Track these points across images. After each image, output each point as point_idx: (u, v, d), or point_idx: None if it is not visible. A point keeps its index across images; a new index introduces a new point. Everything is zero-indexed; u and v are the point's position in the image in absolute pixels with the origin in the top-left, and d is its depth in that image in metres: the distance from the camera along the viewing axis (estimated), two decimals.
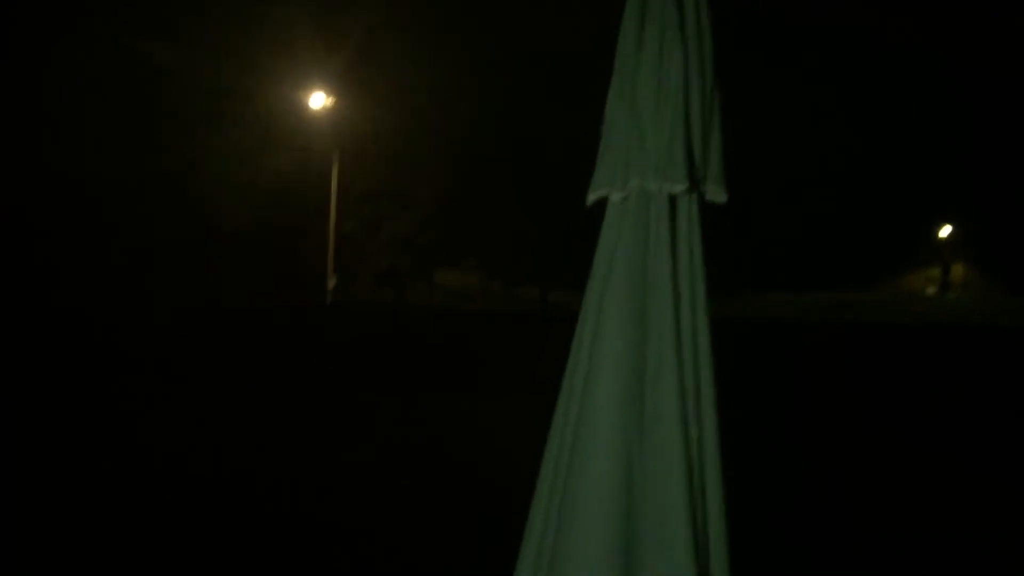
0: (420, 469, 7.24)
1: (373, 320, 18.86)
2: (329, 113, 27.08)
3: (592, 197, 2.48)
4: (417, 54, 25.52)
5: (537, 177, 25.25)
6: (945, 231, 41.87)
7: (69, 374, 11.86)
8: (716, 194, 2.52)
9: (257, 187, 24.05)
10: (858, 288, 35.40)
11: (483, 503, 5.87)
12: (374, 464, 7.47)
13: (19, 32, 21.69)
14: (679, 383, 2.23)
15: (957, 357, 15.56)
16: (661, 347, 2.27)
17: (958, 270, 42.85)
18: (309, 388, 11.72)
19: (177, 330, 14.96)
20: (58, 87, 21.71)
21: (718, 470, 2.27)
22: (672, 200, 2.42)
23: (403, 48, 25.63)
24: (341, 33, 25.36)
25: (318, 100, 26.81)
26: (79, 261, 21.45)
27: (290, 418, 9.92)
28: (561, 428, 2.40)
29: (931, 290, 41.85)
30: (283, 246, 25.94)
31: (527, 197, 26.35)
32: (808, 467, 7.29)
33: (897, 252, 39.84)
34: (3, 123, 21.07)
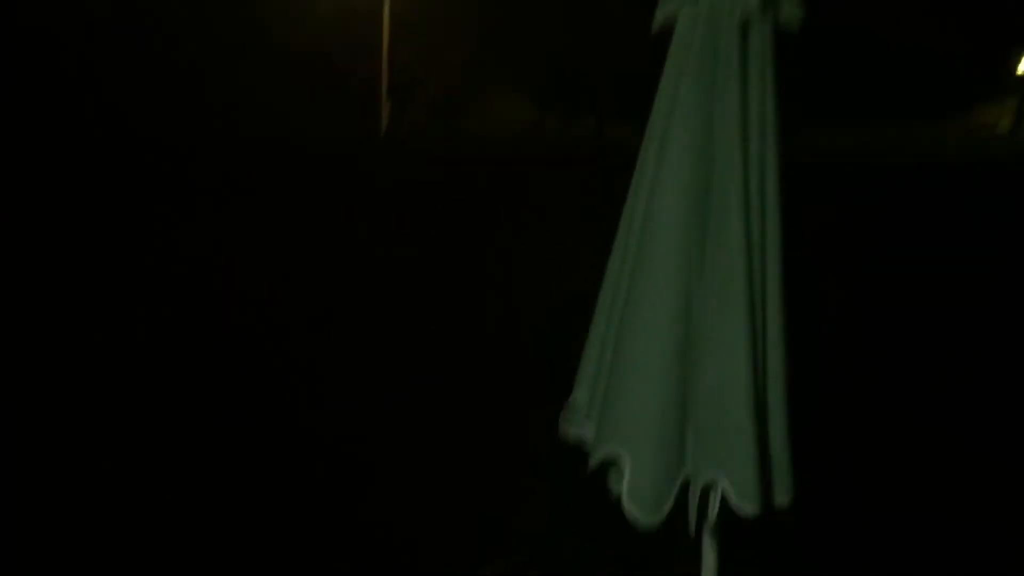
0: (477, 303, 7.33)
1: (426, 154, 18.66)
2: None
3: (658, 20, 2.35)
4: None
5: (597, 3, 24.21)
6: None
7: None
8: (793, 17, 2.37)
9: (311, 12, 23.48)
10: (927, 121, 33.87)
11: (537, 337, 5.96)
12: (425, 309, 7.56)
13: None
14: (744, 216, 2.17)
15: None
16: (727, 181, 2.19)
17: None
18: (364, 226, 11.82)
19: (233, 161, 14.98)
20: None
21: (780, 304, 2.24)
22: (744, 25, 2.28)
23: None
24: None
25: None
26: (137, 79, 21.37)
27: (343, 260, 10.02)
28: (621, 258, 2.38)
29: (1004, 124, 40.03)
30: (336, 76, 25.53)
31: (586, 25, 25.40)
32: (863, 310, 7.24)
33: (972, 84, 37.82)
34: None
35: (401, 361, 5.85)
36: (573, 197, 12.73)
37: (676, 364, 2.18)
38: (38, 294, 7.11)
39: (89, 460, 4.38)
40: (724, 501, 2.16)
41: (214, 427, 4.79)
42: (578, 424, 2.45)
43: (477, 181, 15.44)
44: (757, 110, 2.24)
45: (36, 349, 5.82)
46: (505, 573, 3.49)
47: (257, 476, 4.30)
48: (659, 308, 2.20)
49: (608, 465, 2.25)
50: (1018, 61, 39.23)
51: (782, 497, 2.25)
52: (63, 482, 4.17)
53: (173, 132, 17.34)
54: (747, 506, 2.13)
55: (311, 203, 13.61)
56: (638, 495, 2.16)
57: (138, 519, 3.92)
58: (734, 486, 2.13)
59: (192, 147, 15.64)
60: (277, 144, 17.35)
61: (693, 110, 2.21)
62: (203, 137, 16.87)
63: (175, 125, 18.66)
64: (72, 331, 6.33)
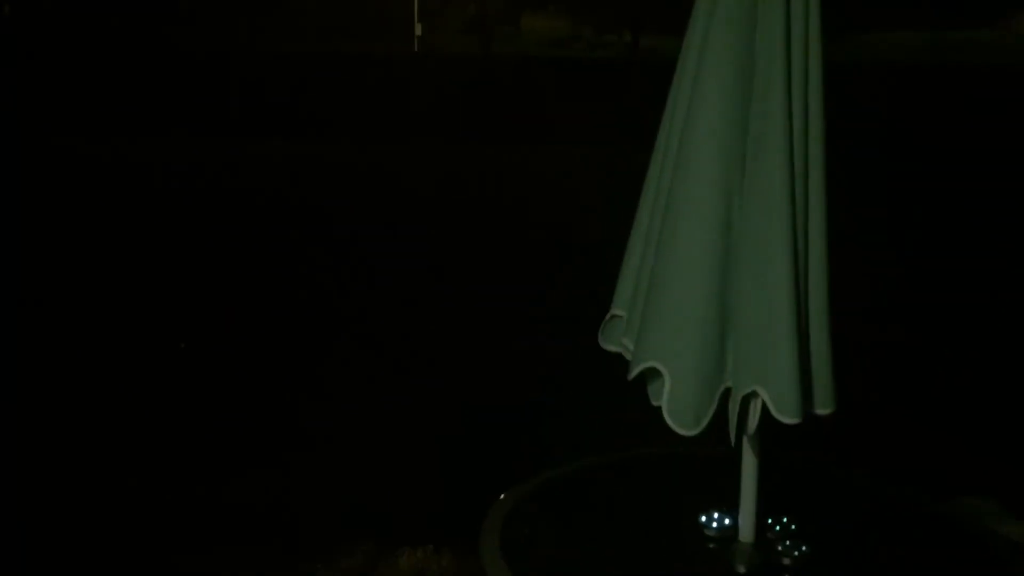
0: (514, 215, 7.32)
1: (458, 70, 18.42)
2: None
3: None
4: None
5: None
6: None
7: None
8: None
9: None
10: (979, 24, 32.70)
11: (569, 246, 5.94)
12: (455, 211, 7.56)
13: None
14: (787, 127, 2.12)
15: None
16: (768, 91, 2.13)
17: None
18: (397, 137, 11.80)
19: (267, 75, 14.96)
20: None
21: (822, 212, 2.20)
22: None
23: None
24: None
25: None
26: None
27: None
28: (659, 172, 2.34)
29: None
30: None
31: None
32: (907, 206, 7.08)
33: None
34: None
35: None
36: (610, 109, 12.57)
37: (717, 275, 2.16)
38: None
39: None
40: (765, 410, 2.16)
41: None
42: (617, 339, 2.45)
43: (510, 92, 15.30)
44: (801, 13, 2.17)
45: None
46: None
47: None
48: (699, 218, 2.17)
49: (647, 376, 2.25)
50: None
51: (824, 407, 2.25)
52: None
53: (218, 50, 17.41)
54: (787, 417, 2.13)
55: (351, 115, 13.65)
56: (678, 408, 2.16)
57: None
58: (774, 397, 2.13)
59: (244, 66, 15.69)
60: (320, 59, 17.29)
61: (732, 18, 2.15)
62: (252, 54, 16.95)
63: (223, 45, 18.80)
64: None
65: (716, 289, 2.14)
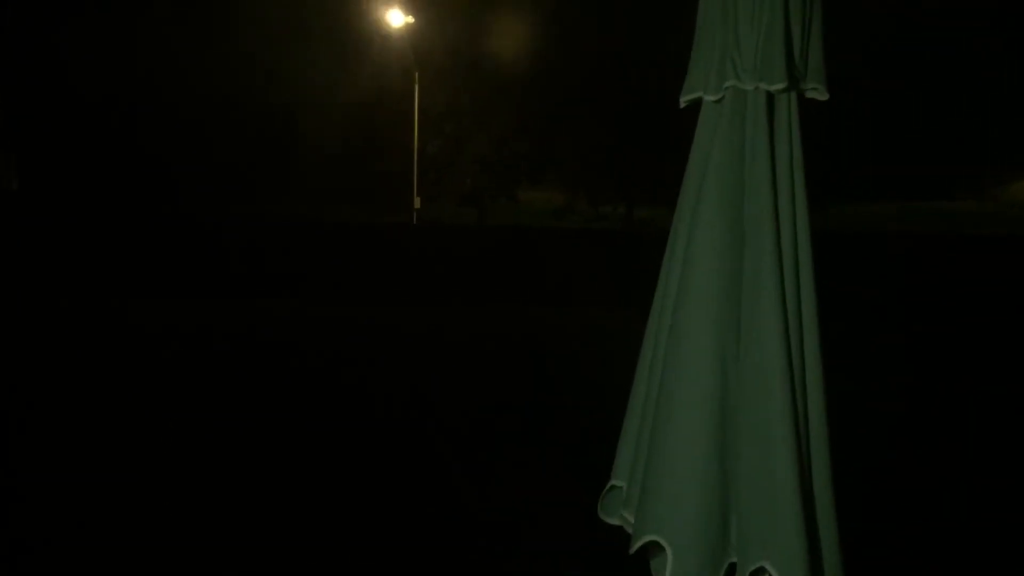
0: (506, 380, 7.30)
1: (457, 239, 18.95)
2: (409, 30, 26.92)
3: (685, 99, 2.37)
4: None
5: (622, 89, 24.68)
6: None
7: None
8: (817, 92, 2.37)
9: (338, 105, 24.29)
10: (967, 196, 33.83)
11: (571, 415, 5.89)
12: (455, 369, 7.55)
13: None
14: (779, 297, 2.13)
15: None
16: (759, 257, 2.17)
17: None
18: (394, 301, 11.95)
19: (267, 242, 15.40)
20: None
21: (821, 390, 2.18)
22: (769, 100, 2.28)
23: None
24: None
25: (397, 18, 26.69)
26: (170, 171, 22.52)
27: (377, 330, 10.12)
28: (654, 341, 2.34)
29: None
30: (365, 165, 26.32)
31: (611, 110, 25.86)
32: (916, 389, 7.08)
33: (1009, 157, 37.81)
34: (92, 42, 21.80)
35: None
36: (604, 276, 12.79)
37: (716, 444, 2.12)
38: None
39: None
40: None
41: None
42: (617, 511, 2.38)
43: (506, 258, 15.65)
44: (787, 182, 2.23)
45: None
46: None
47: None
48: (695, 385, 2.15)
49: (648, 550, 2.17)
50: None
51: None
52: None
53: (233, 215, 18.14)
54: None
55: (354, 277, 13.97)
56: None
57: None
58: (781, 573, 2.04)
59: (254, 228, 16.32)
60: (324, 229, 17.95)
61: (724, 174, 2.21)
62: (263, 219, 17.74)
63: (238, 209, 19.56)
64: None
65: (716, 458, 2.10)
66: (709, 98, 2.30)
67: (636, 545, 2.16)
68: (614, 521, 2.38)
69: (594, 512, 2.43)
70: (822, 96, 2.37)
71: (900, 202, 31.18)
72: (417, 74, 26.45)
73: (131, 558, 4.06)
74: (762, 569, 2.07)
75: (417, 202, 26.64)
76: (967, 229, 25.10)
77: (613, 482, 2.42)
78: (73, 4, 21.77)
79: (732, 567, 2.13)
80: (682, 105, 2.38)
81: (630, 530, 2.23)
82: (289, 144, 24.41)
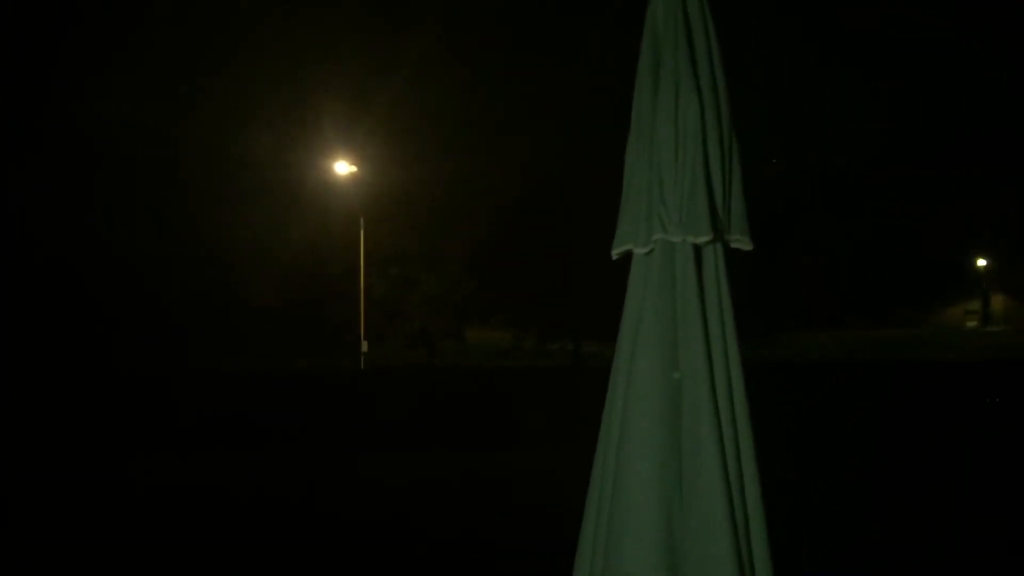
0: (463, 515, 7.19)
1: (407, 382, 18.91)
2: (354, 178, 27.60)
3: (616, 252, 2.50)
4: (439, 115, 25.92)
5: (567, 230, 25.32)
6: (982, 262, 41.52)
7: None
8: (741, 242, 2.52)
9: (284, 255, 24.51)
10: (897, 324, 35.02)
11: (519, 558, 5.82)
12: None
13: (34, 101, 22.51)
14: (717, 432, 2.22)
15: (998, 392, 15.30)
16: (696, 396, 2.26)
17: (998, 301, 42.27)
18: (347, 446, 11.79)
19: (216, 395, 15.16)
20: (75, 157, 22.51)
21: (761, 518, 2.24)
22: (697, 250, 2.43)
23: (425, 110, 26.05)
24: (363, 98, 25.91)
25: (342, 168, 27.39)
26: (114, 328, 22.28)
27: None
28: (600, 480, 2.39)
29: (972, 323, 41.25)
30: (312, 312, 26.35)
31: (557, 250, 26.43)
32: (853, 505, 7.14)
33: (935, 285, 39.51)
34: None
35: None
36: (552, 409, 12.78)
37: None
38: None
39: None
40: None
41: None
42: None
43: (455, 401, 15.60)
44: (719, 326, 2.35)
45: None
46: None
47: None
48: (641, 542, 2.19)
49: None
50: (975, 263, 41.21)
51: None
52: None
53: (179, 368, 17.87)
54: None
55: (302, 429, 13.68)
56: None
57: None
58: None
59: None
60: (271, 375, 17.80)
61: (658, 322, 2.32)
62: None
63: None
64: None
65: None
66: (639, 250, 2.44)
67: None
68: None
69: None
70: (746, 246, 2.52)
71: (842, 330, 32.16)
72: (363, 220, 26.94)
73: None
74: None
75: (364, 346, 26.61)
76: (905, 354, 25.87)
77: None
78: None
79: None
80: (614, 257, 2.51)
81: None
82: (235, 296, 24.47)
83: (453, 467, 10.60)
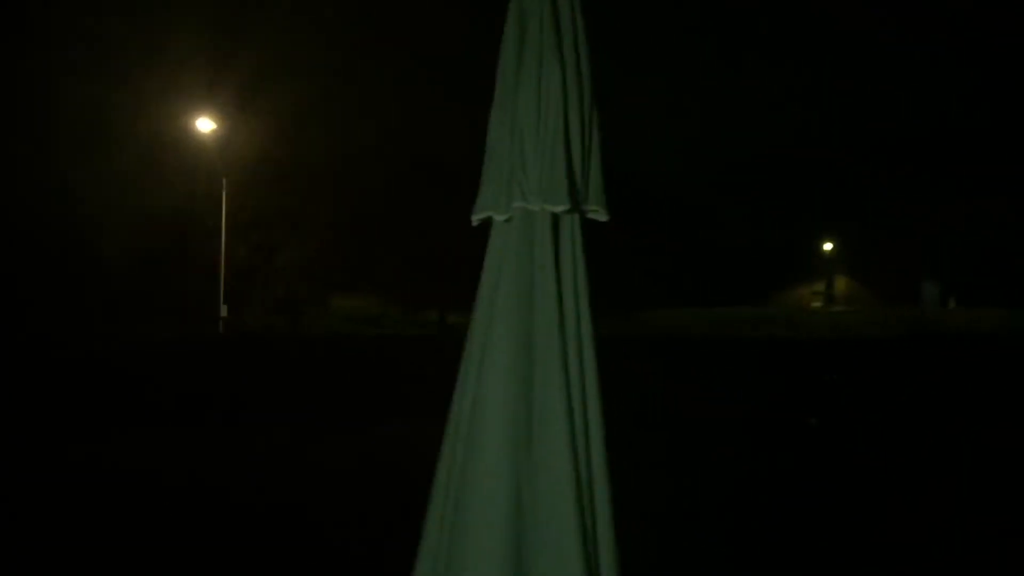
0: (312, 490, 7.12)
1: (267, 350, 18.48)
2: (217, 138, 26.59)
3: (476, 219, 2.52)
4: (310, 80, 25.29)
5: (433, 198, 25.22)
6: (828, 246, 44.02)
7: None
8: (598, 213, 2.57)
9: (140, 213, 23.45)
10: (750, 303, 36.70)
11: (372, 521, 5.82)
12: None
13: None
14: (566, 399, 2.27)
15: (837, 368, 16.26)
16: (547, 365, 2.31)
17: (841, 283, 44.85)
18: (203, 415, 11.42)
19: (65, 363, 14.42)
20: None
21: (607, 483, 2.31)
22: (555, 218, 2.47)
23: (295, 73, 25.36)
24: (231, 57, 24.99)
25: (205, 125, 26.33)
26: None
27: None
28: (452, 447, 2.41)
29: (816, 303, 43.60)
30: (170, 275, 25.37)
31: (423, 219, 26.30)
32: (700, 476, 7.45)
33: (784, 267, 41.65)
34: None
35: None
36: (413, 378, 12.76)
37: (510, 566, 2.19)
38: None
39: None
40: None
41: None
42: None
43: (316, 367, 15.36)
44: (572, 294, 2.40)
45: None
46: None
47: None
48: (490, 508, 2.23)
49: None
50: (821, 246, 43.67)
51: None
52: None
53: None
54: None
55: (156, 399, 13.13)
56: None
57: None
58: None
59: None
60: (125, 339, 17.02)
61: (515, 289, 2.35)
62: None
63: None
64: None
65: (510, 560, 2.17)
66: (499, 217, 2.46)
67: None
68: None
69: None
70: (602, 217, 2.58)
71: (701, 308, 33.44)
72: (225, 181, 26.04)
73: None
74: None
75: (224, 311, 25.83)
76: (747, 331, 27.18)
77: None
78: None
79: None
80: (474, 223, 2.53)
81: None
82: (86, 260, 23.22)
83: (326, 440, 10.45)
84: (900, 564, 4.96)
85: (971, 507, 6.27)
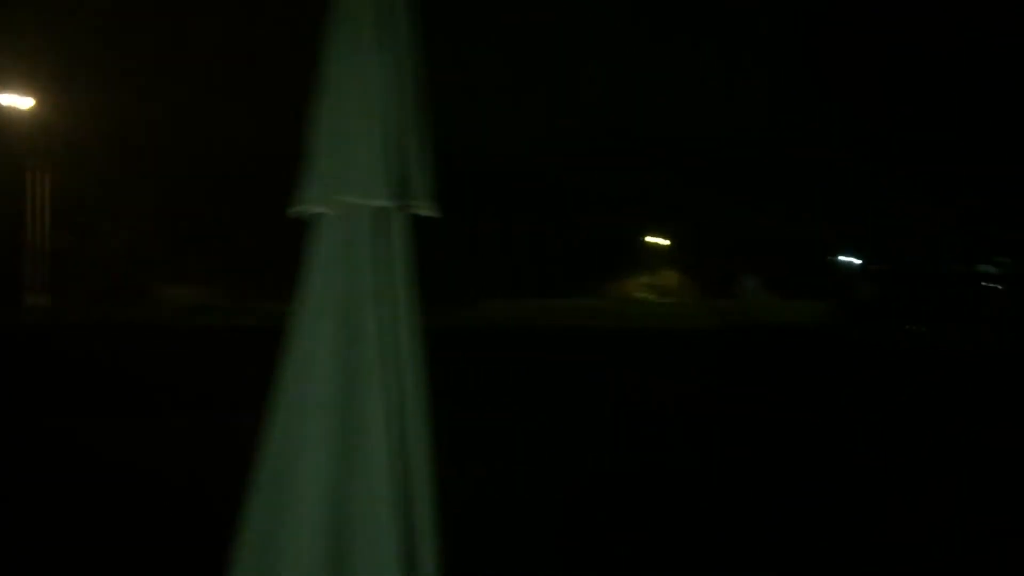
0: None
1: (79, 339, 17.44)
2: (32, 116, 24.81)
3: (296, 211, 2.47)
4: (137, 65, 24.04)
5: (263, 188, 24.50)
6: (658, 240, 45.94)
7: None
8: (425, 209, 2.57)
9: None
10: (582, 294, 37.71)
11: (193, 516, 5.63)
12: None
13: None
14: (386, 393, 2.28)
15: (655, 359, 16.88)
16: (367, 360, 2.31)
17: (670, 276, 46.84)
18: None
19: None
20: None
21: (428, 474, 2.33)
22: (379, 213, 2.45)
23: (121, 58, 24.05)
24: (51, 37, 23.39)
25: (18, 101, 24.50)
26: None
27: None
28: (272, 440, 2.37)
29: (644, 295, 45.34)
30: None
31: (253, 209, 25.56)
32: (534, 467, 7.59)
33: (615, 260, 43.15)
34: None
35: None
36: (241, 370, 12.35)
37: (331, 554, 2.19)
38: None
39: None
40: None
41: None
42: None
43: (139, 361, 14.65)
44: (396, 290, 2.40)
45: None
46: None
47: None
48: (310, 503, 2.21)
49: None
50: (651, 241, 45.52)
51: None
52: None
53: None
54: None
55: None
56: None
57: None
58: None
59: None
60: None
61: (334, 284, 2.33)
62: None
63: None
64: None
65: (329, 551, 2.16)
66: (320, 211, 2.42)
67: None
68: None
69: None
70: (430, 213, 2.58)
71: (535, 299, 34.03)
72: (39, 162, 24.40)
73: None
74: None
75: (42, 299, 24.25)
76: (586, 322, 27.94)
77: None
78: None
79: None
80: (293, 216, 2.48)
81: None
82: None
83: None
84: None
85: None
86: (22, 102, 24.66)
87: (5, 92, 24.38)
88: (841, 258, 39.24)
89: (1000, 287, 28.63)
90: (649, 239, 45.66)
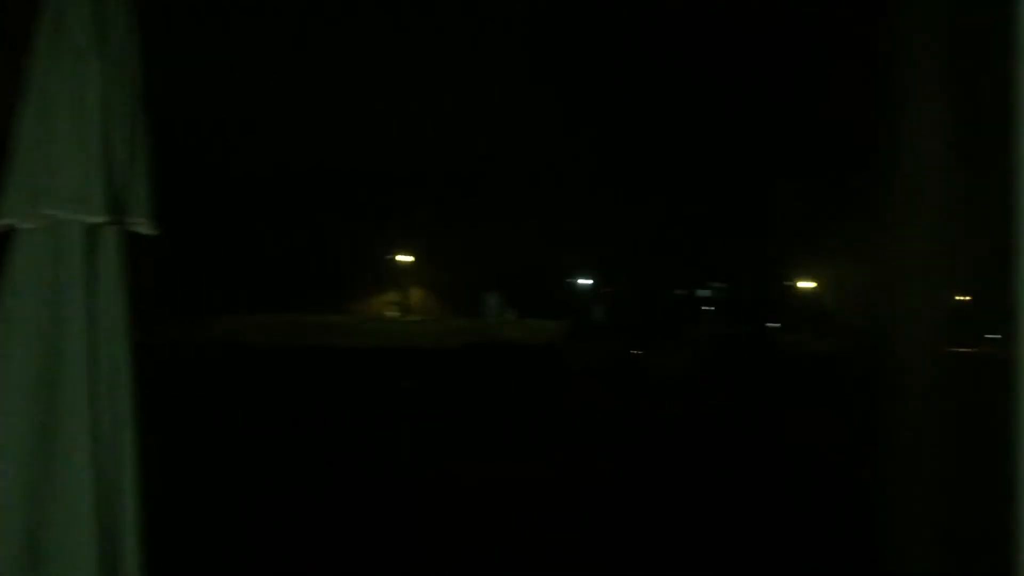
0: None
1: None
2: None
3: None
4: None
5: None
6: (402, 257, 46.25)
7: None
8: (143, 226, 2.45)
9: None
10: (327, 311, 37.16)
11: None
12: None
13: None
14: (92, 414, 2.16)
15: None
16: (74, 382, 2.17)
17: (417, 294, 47.32)
18: None
19: None
20: None
21: (135, 503, 2.23)
22: (92, 230, 2.31)
23: None
24: None
25: None
26: None
27: None
28: None
29: (392, 313, 45.45)
30: None
31: None
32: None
33: (361, 278, 42.87)
34: None
35: None
36: None
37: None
38: None
39: None
40: None
41: None
42: None
43: None
44: (107, 309, 2.27)
45: None
46: None
47: None
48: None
49: None
50: (395, 260, 45.71)
51: None
52: None
53: None
54: None
55: None
56: None
57: None
58: None
59: None
60: None
61: (35, 314, 2.17)
62: None
63: None
64: None
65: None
66: (24, 226, 2.25)
67: None
68: None
69: None
70: (148, 231, 2.45)
71: (277, 314, 33.01)
72: None
73: None
74: None
75: None
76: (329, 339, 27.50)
77: None
78: None
79: None
80: None
81: None
82: None
83: None
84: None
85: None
86: None
87: None
88: (580, 280, 41.49)
89: (714, 309, 31.35)
90: (397, 257, 46.05)
